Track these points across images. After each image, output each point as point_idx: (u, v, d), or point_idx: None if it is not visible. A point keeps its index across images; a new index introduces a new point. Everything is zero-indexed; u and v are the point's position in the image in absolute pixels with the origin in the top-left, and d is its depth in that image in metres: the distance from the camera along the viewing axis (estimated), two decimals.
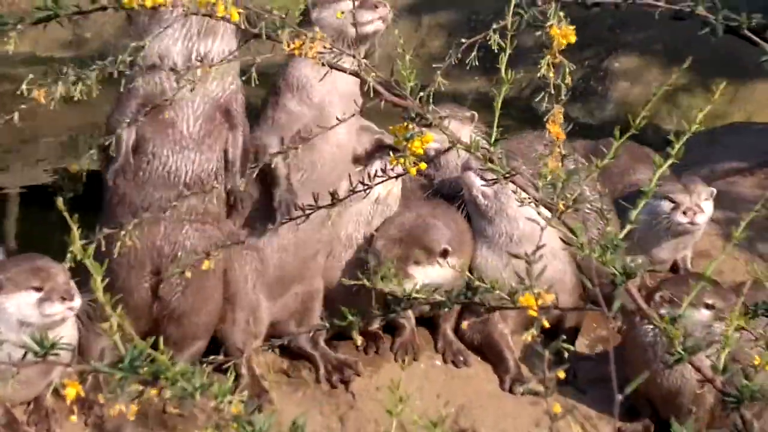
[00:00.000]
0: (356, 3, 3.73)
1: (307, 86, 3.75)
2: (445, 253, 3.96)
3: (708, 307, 3.84)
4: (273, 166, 3.71)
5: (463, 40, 2.63)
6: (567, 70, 2.41)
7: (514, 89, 2.41)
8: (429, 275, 3.91)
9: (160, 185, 3.59)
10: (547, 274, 4.13)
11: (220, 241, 3.64)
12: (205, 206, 3.66)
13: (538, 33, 2.43)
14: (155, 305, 3.72)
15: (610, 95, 7.24)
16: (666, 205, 4.45)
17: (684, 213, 4.42)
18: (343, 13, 3.66)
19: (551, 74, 2.39)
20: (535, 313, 2.10)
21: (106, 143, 3.40)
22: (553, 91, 2.42)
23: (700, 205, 4.46)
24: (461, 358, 4.14)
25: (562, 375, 2.00)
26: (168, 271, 3.60)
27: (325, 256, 4.03)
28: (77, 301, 3.38)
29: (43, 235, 4.66)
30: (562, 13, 2.43)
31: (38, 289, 3.38)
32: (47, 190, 5.98)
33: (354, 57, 2.44)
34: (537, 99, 2.46)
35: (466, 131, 4.30)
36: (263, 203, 3.78)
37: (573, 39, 2.42)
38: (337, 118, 3.08)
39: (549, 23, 2.39)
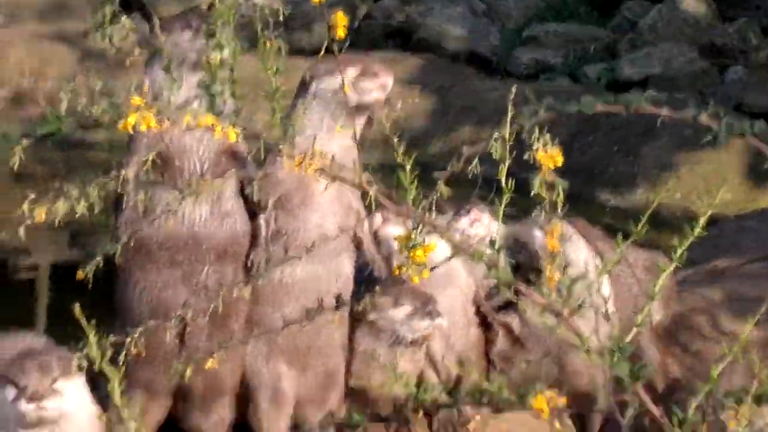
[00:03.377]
0: (357, 72, 3.73)
1: None
2: None
3: None
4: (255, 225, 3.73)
5: (465, 148, 2.66)
6: (560, 188, 2.43)
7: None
8: None
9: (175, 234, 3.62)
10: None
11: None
12: (226, 246, 3.69)
13: (526, 156, 2.47)
14: (183, 352, 3.67)
15: (640, 179, 7.25)
16: None
17: None
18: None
19: (544, 193, 2.41)
20: (547, 417, 2.11)
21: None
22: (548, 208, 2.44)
23: None
24: None
25: None
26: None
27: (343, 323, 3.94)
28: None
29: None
30: (548, 135, 2.46)
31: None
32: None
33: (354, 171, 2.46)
34: (533, 214, 2.48)
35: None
36: None
37: (560, 161, 2.45)
38: None
39: (535, 147, 2.42)
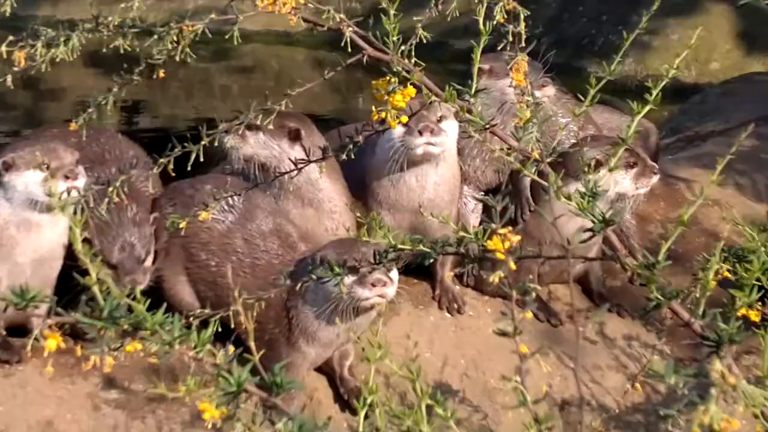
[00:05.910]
0: None
1: None
2: None
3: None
4: None
5: None
6: (522, 16, 2.42)
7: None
8: None
9: None
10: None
11: None
12: None
13: None
14: None
15: (629, 49, 7.20)
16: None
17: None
18: None
19: (501, 20, 2.40)
20: (502, 257, 2.13)
21: None
22: (512, 39, 2.43)
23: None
24: (455, 306, 4.18)
25: (529, 315, 2.04)
26: None
27: None
28: (80, 181, 3.49)
29: None
30: None
31: (46, 168, 3.48)
32: None
33: (329, 10, 2.45)
34: (499, 47, 2.48)
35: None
36: None
37: None
38: None
39: None
